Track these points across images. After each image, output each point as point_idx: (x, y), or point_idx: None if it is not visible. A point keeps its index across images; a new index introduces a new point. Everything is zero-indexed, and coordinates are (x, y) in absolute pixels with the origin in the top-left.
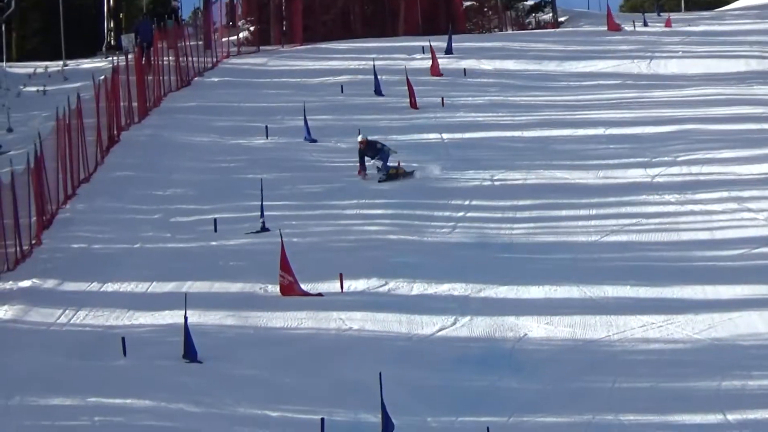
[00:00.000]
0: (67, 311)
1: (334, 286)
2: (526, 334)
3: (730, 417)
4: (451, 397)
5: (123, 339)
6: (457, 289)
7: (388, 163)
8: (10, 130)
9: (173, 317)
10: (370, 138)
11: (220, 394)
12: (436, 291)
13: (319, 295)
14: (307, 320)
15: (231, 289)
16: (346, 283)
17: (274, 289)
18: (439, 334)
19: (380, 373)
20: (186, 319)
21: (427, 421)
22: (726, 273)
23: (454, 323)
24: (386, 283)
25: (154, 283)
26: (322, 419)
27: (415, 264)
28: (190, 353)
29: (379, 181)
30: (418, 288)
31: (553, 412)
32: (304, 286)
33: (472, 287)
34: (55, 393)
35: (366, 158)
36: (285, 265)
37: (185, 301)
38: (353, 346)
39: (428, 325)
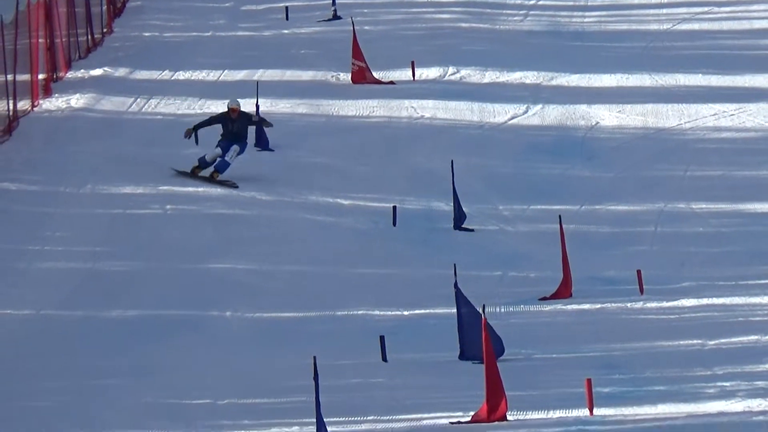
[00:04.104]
0: (138, 100)
1: (406, 74)
2: (597, 123)
3: None
4: (522, 185)
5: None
6: (529, 77)
7: (228, 158)
8: None
9: (245, 106)
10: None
11: (292, 182)
12: (507, 79)
13: (391, 83)
14: (379, 108)
15: (302, 77)
16: (418, 71)
17: (346, 77)
18: (511, 122)
19: (452, 161)
20: (258, 107)
21: (498, 209)
22: None
23: (525, 111)
24: (458, 72)
25: (226, 71)
26: (394, 207)
27: (486, 52)
28: (261, 142)
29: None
30: (489, 76)
31: (624, 200)
32: (375, 74)
33: (544, 75)
34: (126, 182)
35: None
36: (357, 53)
37: (257, 89)
38: (425, 134)
39: (500, 113)
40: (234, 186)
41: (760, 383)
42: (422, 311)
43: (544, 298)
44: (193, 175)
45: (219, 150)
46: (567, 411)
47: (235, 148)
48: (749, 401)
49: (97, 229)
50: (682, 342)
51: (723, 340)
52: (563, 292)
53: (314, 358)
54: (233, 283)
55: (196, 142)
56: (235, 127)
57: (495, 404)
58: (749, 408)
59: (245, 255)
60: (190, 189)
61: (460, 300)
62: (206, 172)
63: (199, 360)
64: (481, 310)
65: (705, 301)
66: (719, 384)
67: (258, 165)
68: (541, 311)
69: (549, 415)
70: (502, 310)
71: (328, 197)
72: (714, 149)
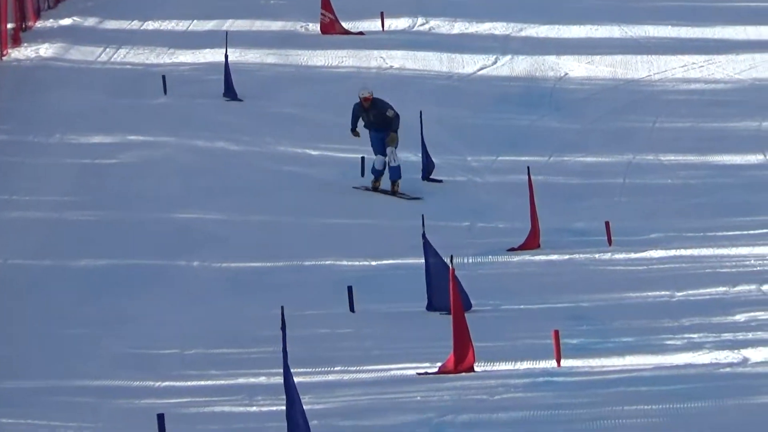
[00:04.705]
0: (107, 49)
1: (375, 24)
2: (566, 74)
3: None
4: (491, 136)
5: (164, 77)
6: (498, 28)
7: (394, 162)
8: None
9: (214, 55)
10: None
11: (261, 132)
12: (477, 30)
13: (360, 33)
14: (348, 59)
15: (272, 27)
16: (387, 22)
17: (315, 27)
18: (480, 73)
19: (420, 112)
20: (227, 57)
21: (467, 160)
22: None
23: (494, 62)
24: (427, 22)
25: (195, 21)
26: (362, 157)
27: (456, 3)
28: (230, 91)
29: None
30: (459, 27)
31: (593, 152)
32: (345, 25)
33: (513, 26)
34: (95, 131)
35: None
36: (326, 3)
37: (226, 39)
38: (394, 84)
39: (469, 63)
40: (418, 198)
41: (727, 335)
42: (390, 262)
43: (513, 249)
44: (375, 189)
45: (380, 156)
46: (534, 362)
47: (390, 149)
48: (716, 353)
49: (66, 179)
50: (650, 293)
51: (691, 292)
52: (531, 243)
53: (282, 308)
54: (201, 234)
55: (358, 134)
56: (372, 116)
57: (462, 355)
58: (716, 360)
59: (213, 205)
60: (159, 138)
61: (428, 250)
62: (386, 186)
63: (166, 310)
64: (449, 261)
65: (673, 252)
66: (687, 336)
67: (226, 115)
68: (509, 262)
69: (516, 366)
70: (470, 260)
71: (297, 148)
72: (683, 101)
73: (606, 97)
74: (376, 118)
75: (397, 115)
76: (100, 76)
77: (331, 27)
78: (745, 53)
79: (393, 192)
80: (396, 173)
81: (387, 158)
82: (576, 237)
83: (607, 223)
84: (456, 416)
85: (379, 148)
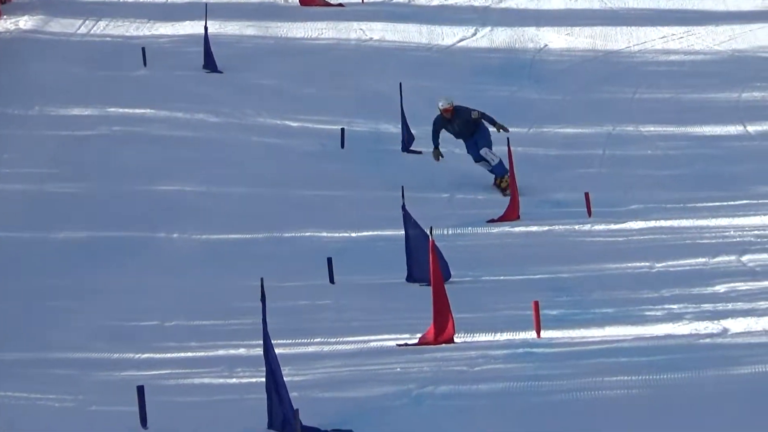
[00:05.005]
0: (87, 21)
1: None
2: (546, 45)
3: (750, 128)
4: (472, 106)
5: (143, 49)
6: None
7: (494, 162)
8: None
9: (193, 27)
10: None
11: (240, 104)
12: (456, 2)
13: (340, 5)
14: (328, 30)
15: None
16: None
17: None
18: (460, 44)
19: (400, 84)
20: (206, 29)
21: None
22: None
23: (474, 34)
24: None
25: None
26: (342, 129)
27: None
28: (210, 63)
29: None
30: None
31: (573, 123)
32: None
33: None
34: (75, 103)
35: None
36: None
37: (206, 10)
38: (373, 56)
39: (448, 35)
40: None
41: (707, 306)
42: (370, 233)
43: (492, 221)
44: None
45: (483, 162)
46: (514, 333)
47: (484, 150)
48: (696, 324)
49: (45, 151)
50: (629, 264)
51: (670, 263)
52: (511, 214)
53: (261, 279)
54: (181, 205)
55: (441, 155)
56: (458, 126)
57: (442, 326)
58: (696, 331)
59: (193, 177)
60: (138, 111)
61: (408, 222)
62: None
63: (146, 282)
64: (428, 232)
65: (653, 223)
66: (666, 307)
67: (206, 87)
68: (488, 233)
69: (496, 338)
70: (450, 232)
71: (277, 119)
72: (662, 72)
73: (586, 69)
74: (462, 126)
75: (482, 113)
76: (80, 48)
77: None
78: (725, 24)
79: (502, 189)
80: (500, 170)
81: (490, 161)
82: (556, 208)
83: (586, 194)
84: (436, 387)
85: (475, 154)
